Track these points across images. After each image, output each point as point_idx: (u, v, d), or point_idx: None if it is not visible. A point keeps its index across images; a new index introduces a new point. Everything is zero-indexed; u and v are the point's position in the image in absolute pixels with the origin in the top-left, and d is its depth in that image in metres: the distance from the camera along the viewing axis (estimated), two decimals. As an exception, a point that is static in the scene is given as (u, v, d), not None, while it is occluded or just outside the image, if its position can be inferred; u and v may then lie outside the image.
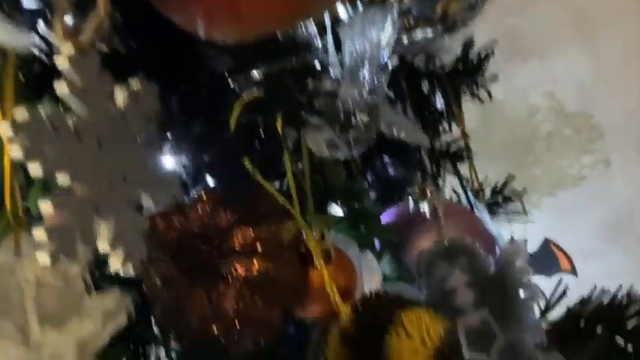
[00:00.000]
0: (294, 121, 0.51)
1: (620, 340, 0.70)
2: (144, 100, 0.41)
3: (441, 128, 0.75)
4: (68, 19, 0.39)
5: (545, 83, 1.67)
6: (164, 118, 0.49)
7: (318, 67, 0.53)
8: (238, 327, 0.51)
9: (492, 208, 0.91)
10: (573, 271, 1.08)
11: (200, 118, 0.52)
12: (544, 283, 0.75)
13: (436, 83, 0.71)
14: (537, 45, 1.65)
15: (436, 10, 0.59)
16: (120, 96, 0.39)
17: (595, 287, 0.74)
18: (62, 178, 0.36)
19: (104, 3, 0.37)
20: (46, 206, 0.35)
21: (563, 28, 1.68)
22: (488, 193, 0.91)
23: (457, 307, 0.64)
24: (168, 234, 0.53)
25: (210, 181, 0.58)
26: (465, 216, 0.76)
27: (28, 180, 0.54)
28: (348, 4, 0.53)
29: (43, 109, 0.35)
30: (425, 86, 0.71)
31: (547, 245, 1.12)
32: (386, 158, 0.74)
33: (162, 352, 0.60)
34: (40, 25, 0.57)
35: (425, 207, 0.71)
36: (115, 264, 0.39)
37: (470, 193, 0.79)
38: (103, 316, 0.43)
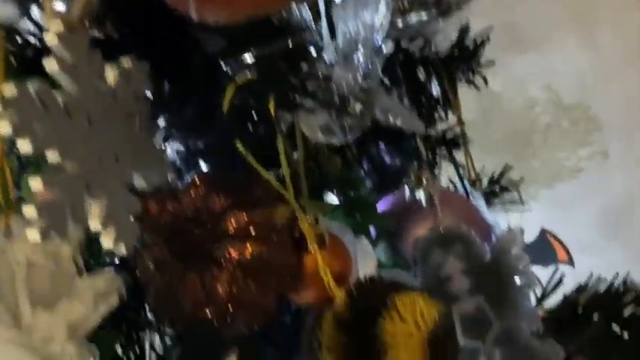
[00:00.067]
0: (287, 104, 0.51)
1: (616, 328, 0.70)
2: (135, 78, 0.41)
3: (436, 115, 0.75)
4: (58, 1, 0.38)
5: (544, 75, 1.67)
6: (156, 101, 0.49)
7: (312, 50, 0.53)
8: (231, 311, 0.51)
9: (489, 197, 0.91)
10: (570, 261, 1.08)
11: (193, 102, 0.51)
12: (541, 273, 0.75)
13: (432, 69, 0.71)
14: (536, 37, 1.65)
15: (431, -8, 0.59)
16: (110, 74, 0.39)
17: (591, 275, 0.74)
18: (52, 156, 0.35)
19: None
20: (36, 183, 0.35)
21: (562, 20, 1.67)
22: (485, 182, 0.91)
23: (452, 294, 0.64)
24: (162, 218, 0.53)
25: (204, 166, 0.58)
26: (461, 204, 0.76)
27: (22, 167, 0.54)
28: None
29: (32, 86, 0.35)
30: (420, 73, 0.71)
31: (544, 236, 1.12)
32: (382, 146, 0.74)
33: (156, 338, 0.60)
34: (33, 10, 0.57)
35: (421, 195, 0.71)
36: (107, 243, 0.39)
37: (466, 182, 0.79)
38: (94, 297, 0.43)
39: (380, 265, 0.68)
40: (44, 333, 0.43)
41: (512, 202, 0.93)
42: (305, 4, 0.51)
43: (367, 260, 0.62)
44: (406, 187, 0.72)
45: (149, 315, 0.59)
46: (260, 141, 0.54)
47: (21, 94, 0.34)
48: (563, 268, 0.79)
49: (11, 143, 0.37)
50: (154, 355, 0.59)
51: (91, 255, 0.52)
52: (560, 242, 1.09)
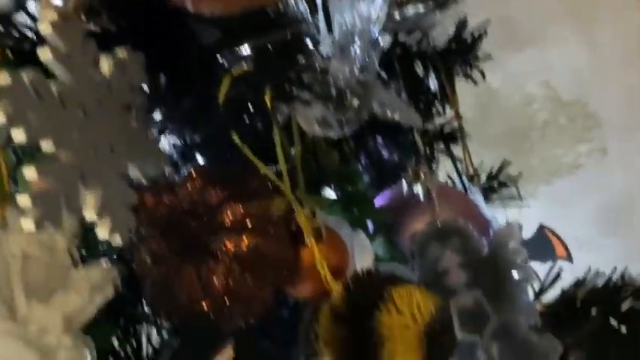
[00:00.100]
0: (283, 96, 0.51)
1: (614, 322, 0.70)
2: (130, 69, 0.41)
3: (434, 110, 0.75)
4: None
5: (542, 72, 1.67)
6: (152, 93, 0.49)
7: (308, 42, 0.53)
8: (228, 304, 0.51)
9: (487, 193, 0.91)
10: (569, 257, 1.08)
11: (189, 94, 0.51)
12: (539, 269, 0.75)
13: (429, 63, 0.70)
14: (533, 33, 1.65)
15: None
16: (105, 64, 0.39)
17: (589, 270, 0.74)
18: (46, 145, 0.35)
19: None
20: (30, 172, 0.35)
21: (559, 16, 1.67)
22: (483, 178, 0.91)
23: (450, 288, 0.63)
24: (158, 211, 0.53)
25: (200, 159, 0.58)
26: (458, 198, 0.76)
27: (19, 162, 0.54)
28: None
29: (26, 75, 0.35)
30: (418, 67, 0.71)
31: (542, 231, 1.12)
32: (379, 140, 0.74)
33: (153, 331, 0.59)
34: (29, 3, 0.57)
35: (418, 189, 0.71)
36: (102, 233, 0.39)
37: (464, 176, 0.79)
38: (90, 289, 0.43)
39: (378, 259, 0.68)
40: (40, 325, 0.43)
41: (511, 198, 0.93)
42: (301, -5, 0.51)
43: (364, 254, 0.62)
44: (404, 181, 0.72)
45: (146, 308, 0.59)
46: (256, 133, 0.54)
47: (15, 84, 0.34)
48: (562, 264, 0.79)
49: (7, 135, 0.37)
50: (150, 349, 0.59)
51: (88, 248, 0.52)
52: (559, 238, 1.09)
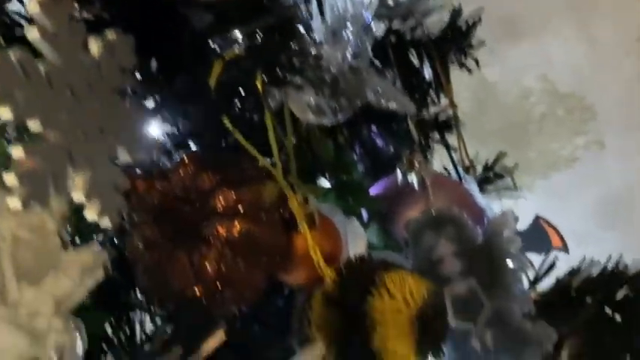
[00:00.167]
0: (275, 81, 0.50)
1: (609, 311, 0.70)
2: (119, 51, 0.40)
3: (428, 99, 0.74)
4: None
5: (539, 65, 1.67)
6: (144, 78, 0.49)
7: (301, 28, 0.52)
8: (220, 289, 0.51)
9: (483, 184, 0.91)
10: (565, 247, 1.08)
11: (181, 79, 0.51)
12: (535, 259, 0.75)
13: (424, 51, 0.70)
14: (531, 26, 1.64)
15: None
16: (94, 46, 0.39)
17: (584, 259, 0.74)
18: (33, 124, 0.35)
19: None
20: (17, 151, 0.35)
21: (558, 10, 1.67)
22: (479, 169, 0.91)
23: (444, 276, 0.63)
24: (151, 197, 0.52)
25: (193, 145, 0.58)
26: (453, 187, 0.75)
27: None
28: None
29: (13, 54, 0.35)
30: (412, 55, 0.71)
31: (537, 222, 1.11)
32: (374, 129, 0.74)
33: (146, 318, 0.59)
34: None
35: (413, 178, 0.71)
36: (91, 215, 0.39)
37: (458, 166, 0.79)
38: (80, 271, 0.43)
39: (372, 248, 0.68)
40: (30, 308, 0.43)
41: (506, 189, 0.93)
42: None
43: (357, 240, 0.62)
44: (398, 170, 0.72)
45: (139, 295, 0.59)
46: (249, 119, 0.54)
47: (2, 61, 0.34)
48: (557, 254, 0.79)
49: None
50: (143, 335, 0.59)
51: (80, 234, 0.52)
52: (554, 228, 1.09)
